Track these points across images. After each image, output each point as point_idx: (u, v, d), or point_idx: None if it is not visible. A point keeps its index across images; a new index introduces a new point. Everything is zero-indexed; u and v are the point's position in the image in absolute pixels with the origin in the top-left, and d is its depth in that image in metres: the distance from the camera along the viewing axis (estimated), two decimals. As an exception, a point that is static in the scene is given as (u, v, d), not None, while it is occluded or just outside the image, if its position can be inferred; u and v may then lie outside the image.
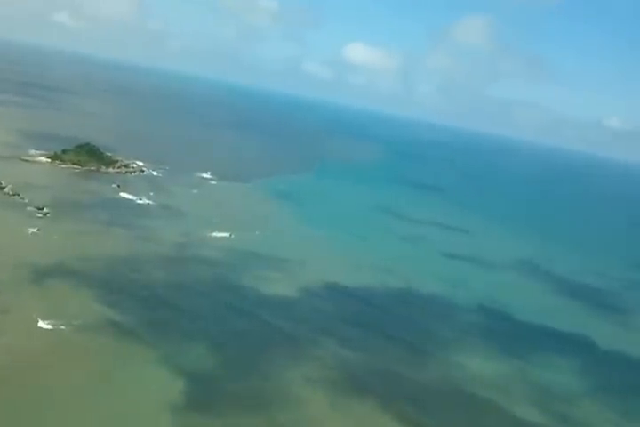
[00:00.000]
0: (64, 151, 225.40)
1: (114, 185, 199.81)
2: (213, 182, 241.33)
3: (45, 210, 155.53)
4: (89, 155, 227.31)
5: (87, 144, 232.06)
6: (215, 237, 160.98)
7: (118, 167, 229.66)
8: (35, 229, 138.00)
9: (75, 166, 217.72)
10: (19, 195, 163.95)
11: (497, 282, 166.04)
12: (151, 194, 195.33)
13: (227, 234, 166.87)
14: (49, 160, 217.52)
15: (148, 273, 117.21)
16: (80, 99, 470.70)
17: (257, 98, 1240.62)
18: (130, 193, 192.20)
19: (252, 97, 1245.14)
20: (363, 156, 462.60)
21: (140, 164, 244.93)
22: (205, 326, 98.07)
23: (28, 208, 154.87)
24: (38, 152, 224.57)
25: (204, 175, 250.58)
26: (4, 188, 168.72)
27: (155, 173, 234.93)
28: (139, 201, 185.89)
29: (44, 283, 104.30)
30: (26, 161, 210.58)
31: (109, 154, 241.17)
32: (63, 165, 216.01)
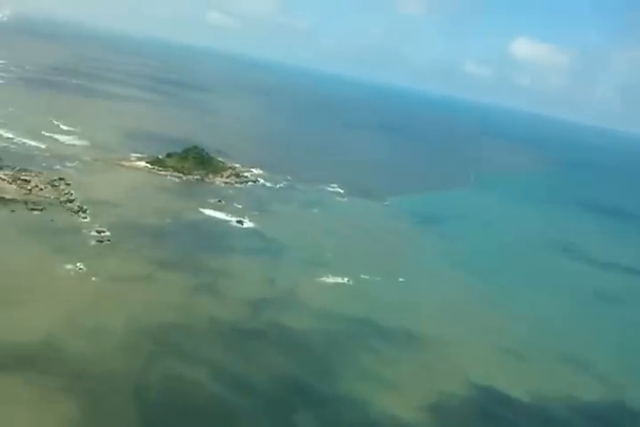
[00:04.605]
0: (168, 155, 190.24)
1: (212, 200, 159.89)
2: (340, 199, 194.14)
3: (107, 234, 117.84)
4: (196, 160, 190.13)
5: (195, 148, 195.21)
6: (322, 286, 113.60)
7: (227, 177, 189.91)
8: (71, 266, 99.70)
9: (176, 174, 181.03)
10: (84, 211, 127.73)
11: None
12: (255, 213, 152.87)
13: (341, 279, 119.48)
14: (148, 166, 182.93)
15: (181, 370, 70.96)
16: (211, 97, 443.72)
17: (408, 99, 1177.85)
18: (228, 212, 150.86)
19: (403, 98, 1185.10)
20: (529, 167, 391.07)
21: (257, 172, 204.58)
22: None
23: (85, 231, 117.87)
24: (139, 156, 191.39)
25: (331, 189, 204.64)
26: (72, 201, 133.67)
27: (270, 185, 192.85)
28: (235, 224, 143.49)
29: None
30: (121, 166, 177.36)
31: (222, 160, 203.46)
32: (163, 173, 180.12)
